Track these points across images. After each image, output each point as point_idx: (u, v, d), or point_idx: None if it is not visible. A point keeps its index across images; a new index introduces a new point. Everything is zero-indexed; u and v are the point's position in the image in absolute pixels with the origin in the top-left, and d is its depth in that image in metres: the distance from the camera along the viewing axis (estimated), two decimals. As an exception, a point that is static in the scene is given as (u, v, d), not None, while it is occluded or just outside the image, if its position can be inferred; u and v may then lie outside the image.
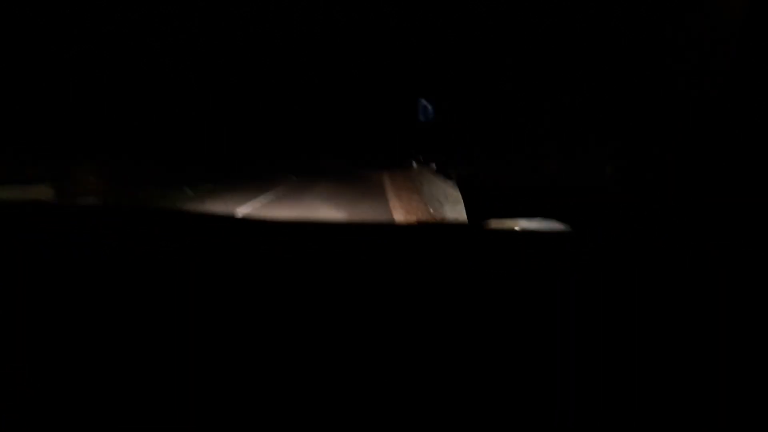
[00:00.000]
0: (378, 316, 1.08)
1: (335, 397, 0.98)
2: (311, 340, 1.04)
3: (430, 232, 1.55)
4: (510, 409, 0.97)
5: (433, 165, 11.20)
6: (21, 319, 1.07)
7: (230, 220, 1.67)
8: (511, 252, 1.37)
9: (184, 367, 1.01)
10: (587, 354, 1.00)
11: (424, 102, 14.45)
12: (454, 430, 0.95)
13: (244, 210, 8.74)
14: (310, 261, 1.24)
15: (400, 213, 8.97)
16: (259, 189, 11.13)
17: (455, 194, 7.07)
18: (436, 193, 8.95)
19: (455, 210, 7.11)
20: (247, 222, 1.71)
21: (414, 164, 13.56)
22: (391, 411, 0.96)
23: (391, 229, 2.00)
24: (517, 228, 1.63)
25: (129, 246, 1.31)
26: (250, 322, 1.08)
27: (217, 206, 8.75)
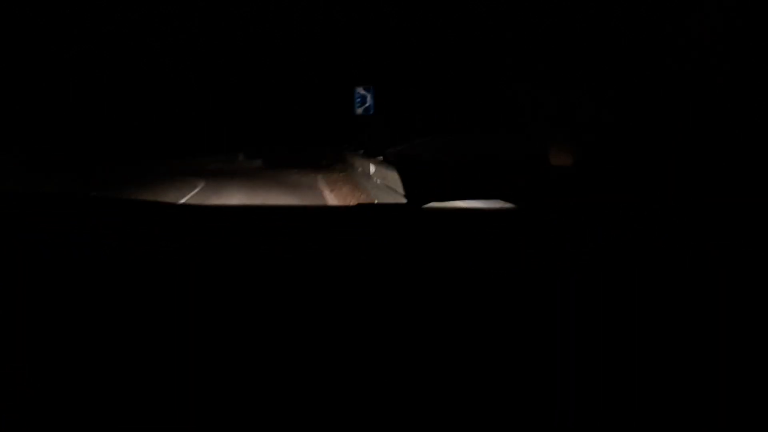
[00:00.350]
0: (362, 306, 1.08)
1: (335, 391, 0.98)
2: (282, 323, 1.04)
3: (370, 213, 1.56)
4: (510, 409, 0.97)
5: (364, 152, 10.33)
6: (21, 319, 1.07)
7: (223, 210, 1.68)
8: (445, 229, 1.38)
9: (183, 366, 1.01)
10: (587, 353, 1.00)
11: (361, 91, 12.68)
12: (453, 430, 0.95)
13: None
14: (295, 246, 1.26)
15: (335, 202, 8.57)
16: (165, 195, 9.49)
17: (394, 177, 6.80)
18: (376, 179, 8.36)
19: (395, 194, 6.85)
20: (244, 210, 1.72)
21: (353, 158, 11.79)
22: (388, 407, 0.96)
23: (337, 210, 2.04)
24: (457, 206, 1.63)
25: (129, 246, 1.31)
26: (244, 312, 1.08)
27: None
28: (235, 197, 9.03)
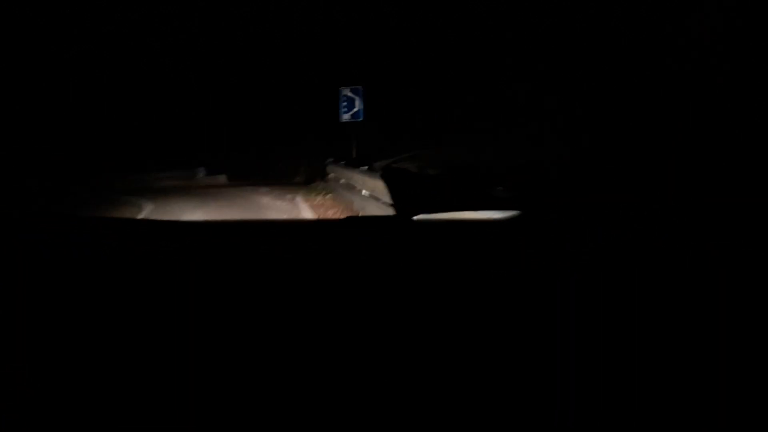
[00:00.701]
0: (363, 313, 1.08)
1: (340, 394, 0.98)
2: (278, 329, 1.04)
3: (353, 225, 1.55)
4: (510, 409, 0.97)
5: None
6: (21, 319, 1.07)
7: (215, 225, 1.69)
8: (444, 233, 1.37)
9: (183, 366, 1.01)
10: (587, 353, 1.00)
11: (347, 93, 10.21)
12: (453, 430, 0.95)
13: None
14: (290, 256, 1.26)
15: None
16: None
17: (381, 188, 6.11)
18: (363, 190, 7.34)
19: (382, 206, 6.18)
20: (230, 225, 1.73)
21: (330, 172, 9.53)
22: (389, 408, 0.97)
23: (324, 224, 2.02)
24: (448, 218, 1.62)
25: (128, 246, 1.31)
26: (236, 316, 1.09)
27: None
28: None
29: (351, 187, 7.91)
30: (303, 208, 8.19)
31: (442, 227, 1.54)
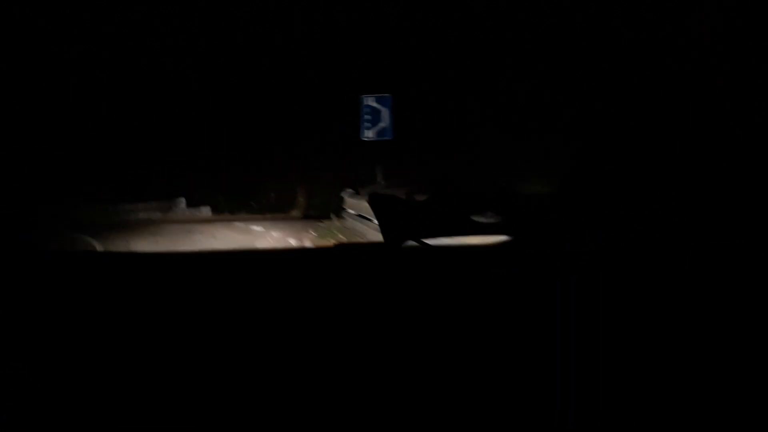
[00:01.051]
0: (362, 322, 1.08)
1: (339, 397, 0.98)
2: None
3: (344, 253, 1.50)
4: (510, 409, 0.97)
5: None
6: (21, 319, 1.07)
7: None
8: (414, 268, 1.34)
9: (183, 366, 1.01)
10: (587, 353, 1.00)
11: (371, 102, 7.43)
12: (454, 430, 0.95)
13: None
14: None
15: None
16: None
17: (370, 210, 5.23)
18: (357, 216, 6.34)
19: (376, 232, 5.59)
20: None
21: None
22: (390, 411, 0.97)
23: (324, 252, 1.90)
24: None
25: (130, 248, 1.31)
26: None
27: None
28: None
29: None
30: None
31: (433, 252, 1.52)
